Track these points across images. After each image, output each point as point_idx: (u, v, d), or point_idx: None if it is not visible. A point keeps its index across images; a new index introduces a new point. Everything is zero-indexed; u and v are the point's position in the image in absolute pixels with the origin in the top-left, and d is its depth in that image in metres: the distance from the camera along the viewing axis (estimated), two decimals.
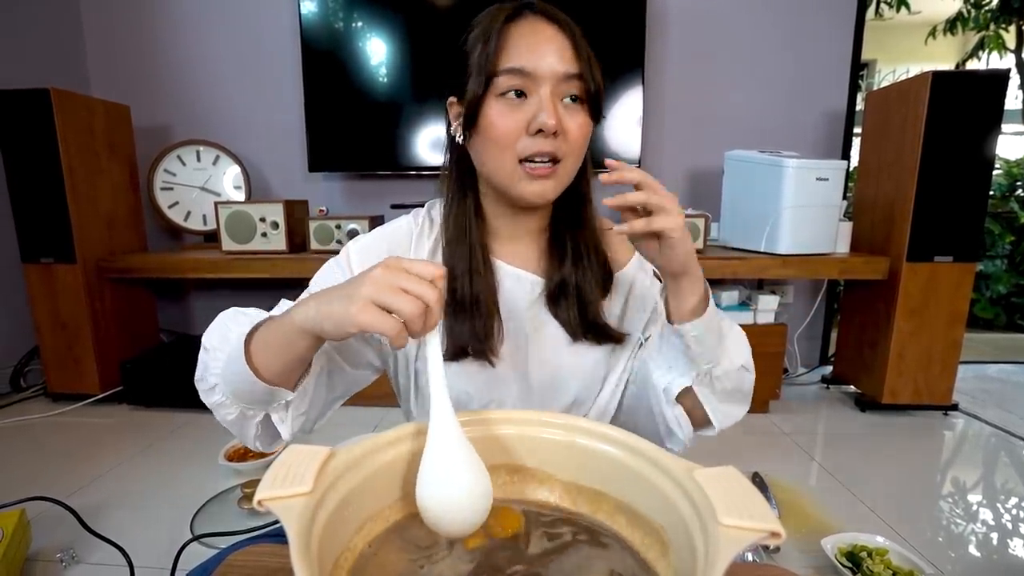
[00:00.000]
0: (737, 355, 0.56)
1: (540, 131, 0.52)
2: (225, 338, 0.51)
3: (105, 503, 1.24)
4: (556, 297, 0.61)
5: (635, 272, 0.67)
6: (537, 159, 0.53)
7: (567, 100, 0.54)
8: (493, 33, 0.53)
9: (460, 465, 0.39)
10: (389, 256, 0.42)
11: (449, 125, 0.60)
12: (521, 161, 0.54)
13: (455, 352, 0.57)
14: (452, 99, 0.58)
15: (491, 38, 0.53)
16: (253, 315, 0.53)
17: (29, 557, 1.04)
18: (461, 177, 0.60)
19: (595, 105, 0.55)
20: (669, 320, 0.54)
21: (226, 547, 0.49)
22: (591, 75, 0.54)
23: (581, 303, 0.60)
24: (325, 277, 0.60)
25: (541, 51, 0.52)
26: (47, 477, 1.37)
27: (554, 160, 0.54)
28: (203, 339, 0.52)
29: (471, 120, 0.55)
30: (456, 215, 0.60)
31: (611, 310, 0.64)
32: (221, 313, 0.54)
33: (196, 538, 1.05)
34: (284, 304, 0.56)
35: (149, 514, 1.21)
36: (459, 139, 0.58)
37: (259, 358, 0.47)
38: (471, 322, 0.57)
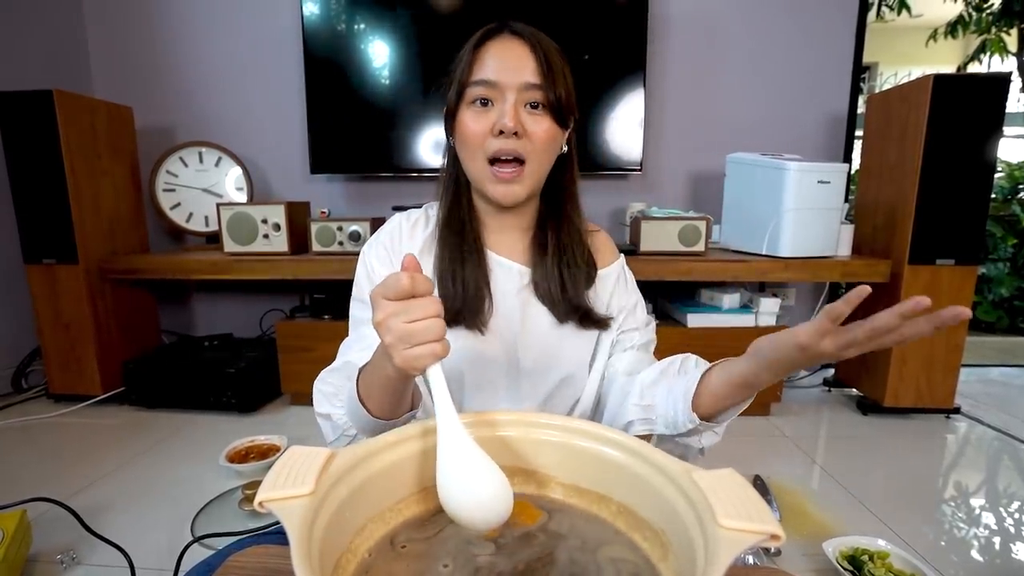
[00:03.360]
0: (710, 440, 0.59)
1: (502, 132, 0.58)
2: (334, 399, 0.56)
3: (106, 504, 1.24)
4: (544, 288, 0.66)
5: (618, 273, 0.72)
6: (503, 157, 0.60)
7: (529, 107, 0.60)
8: (468, 50, 0.61)
9: (481, 467, 0.41)
10: (372, 294, 0.43)
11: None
12: (490, 162, 0.60)
13: (447, 319, 0.59)
14: (446, 107, 0.64)
15: (466, 54, 0.60)
16: (340, 371, 0.59)
17: (29, 558, 1.04)
18: (456, 176, 0.66)
19: (558, 112, 0.60)
20: (695, 408, 0.54)
21: (226, 546, 0.49)
22: (552, 85, 0.59)
23: (565, 288, 0.66)
24: (364, 288, 0.67)
25: (507, 65, 0.59)
26: (48, 478, 1.37)
27: (519, 161, 0.60)
28: (317, 410, 0.58)
29: (450, 125, 0.63)
30: (451, 209, 0.66)
31: (594, 302, 0.68)
32: (316, 383, 0.59)
33: (197, 539, 1.05)
34: (356, 341, 0.64)
35: (150, 515, 1.21)
36: (449, 142, 0.65)
37: (375, 406, 0.51)
38: (464, 294, 0.62)
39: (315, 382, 0.60)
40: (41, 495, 1.07)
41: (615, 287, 0.70)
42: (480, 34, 0.61)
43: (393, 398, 0.50)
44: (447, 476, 0.40)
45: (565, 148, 0.65)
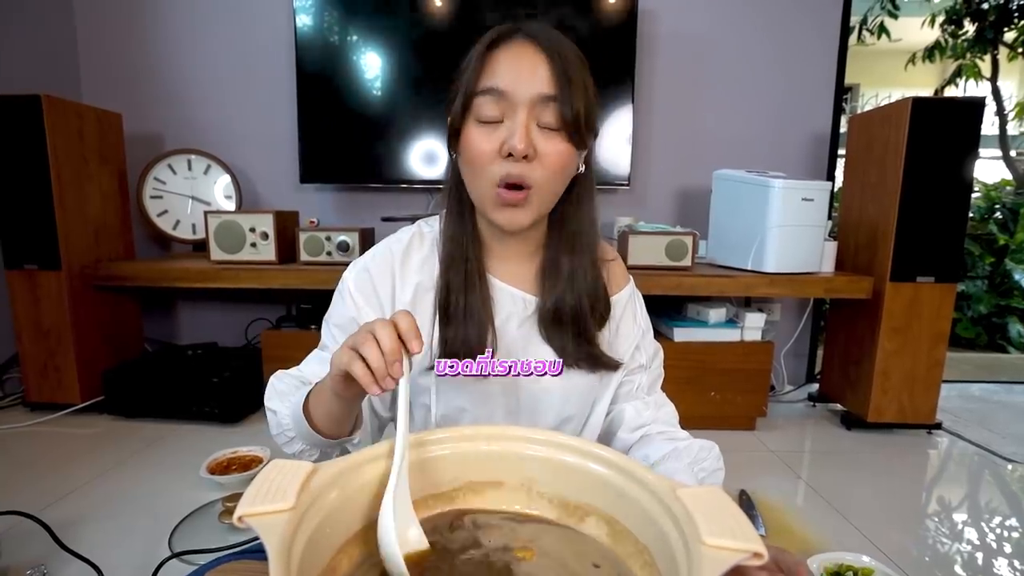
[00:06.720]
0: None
1: (511, 155, 0.52)
2: (284, 398, 0.60)
3: (80, 517, 1.20)
4: (550, 322, 0.61)
5: (627, 299, 0.68)
6: (509, 184, 0.53)
7: (542, 128, 0.53)
8: (477, 54, 0.54)
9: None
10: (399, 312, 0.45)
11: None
12: (497, 185, 0.54)
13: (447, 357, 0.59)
14: (450, 120, 0.59)
15: (474, 59, 0.54)
16: (296, 376, 0.63)
17: None
18: (460, 193, 0.60)
19: (574, 131, 0.53)
20: None
21: (204, 563, 0.48)
22: (569, 98, 0.52)
23: (577, 332, 0.60)
24: (337, 310, 0.64)
25: (519, 72, 0.52)
26: (21, 490, 1.32)
27: (526, 187, 0.54)
28: (266, 403, 0.62)
29: (454, 139, 0.57)
30: (454, 230, 0.60)
31: (602, 336, 0.63)
32: (271, 378, 0.63)
33: (175, 555, 1.03)
34: (317, 357, 0.65)
35: (126, 529, 1.17)
36: (452, 156, 0.60)
37: (318, 420, 0.54)
38: (465, 331, 0.58)
39: (271, 377, 0.62)
40: (12, 507, 1.04)
41: (623, 315, 0.67)
42: (491, 37, 0.54)
43: (331, 418, 0.53)
44: (386, 535, 0.38)
45: (582, 168, 0.59)
